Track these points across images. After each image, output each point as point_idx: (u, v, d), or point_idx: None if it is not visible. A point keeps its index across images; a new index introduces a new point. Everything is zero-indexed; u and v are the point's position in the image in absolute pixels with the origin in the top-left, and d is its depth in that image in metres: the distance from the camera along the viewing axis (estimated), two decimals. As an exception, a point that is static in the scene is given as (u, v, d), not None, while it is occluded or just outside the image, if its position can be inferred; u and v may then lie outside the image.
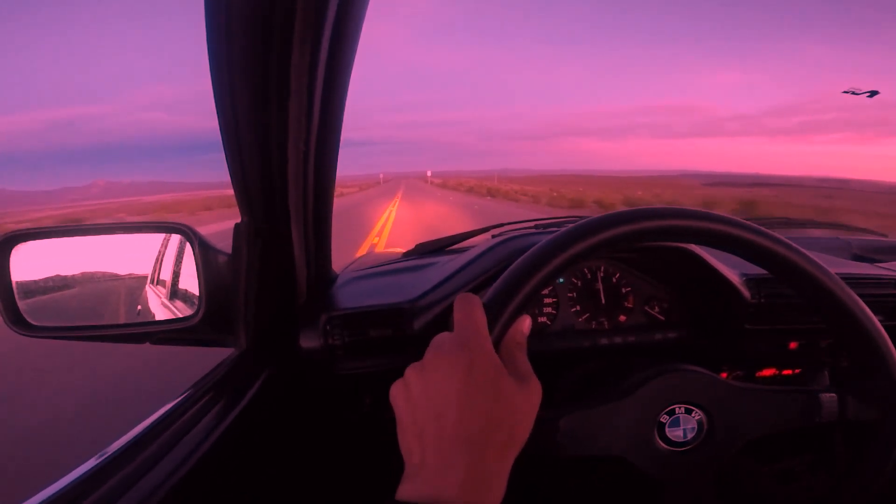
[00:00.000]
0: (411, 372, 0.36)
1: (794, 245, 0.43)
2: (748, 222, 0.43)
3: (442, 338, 0.38)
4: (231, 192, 0.59)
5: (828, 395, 0.46)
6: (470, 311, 0.38)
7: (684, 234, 0.44)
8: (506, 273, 0.41)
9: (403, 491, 0.32)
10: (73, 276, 0.61)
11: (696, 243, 0.62)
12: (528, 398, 0.36)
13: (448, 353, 0.35)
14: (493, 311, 0.39)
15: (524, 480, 0.37)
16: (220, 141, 0.53)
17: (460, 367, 0.34)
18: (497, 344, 0.38)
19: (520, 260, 0.41)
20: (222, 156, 0.56)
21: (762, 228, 0.43)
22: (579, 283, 0.76)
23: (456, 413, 0.33)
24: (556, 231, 0.43)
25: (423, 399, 0.34)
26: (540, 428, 0.38)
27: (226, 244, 0.62)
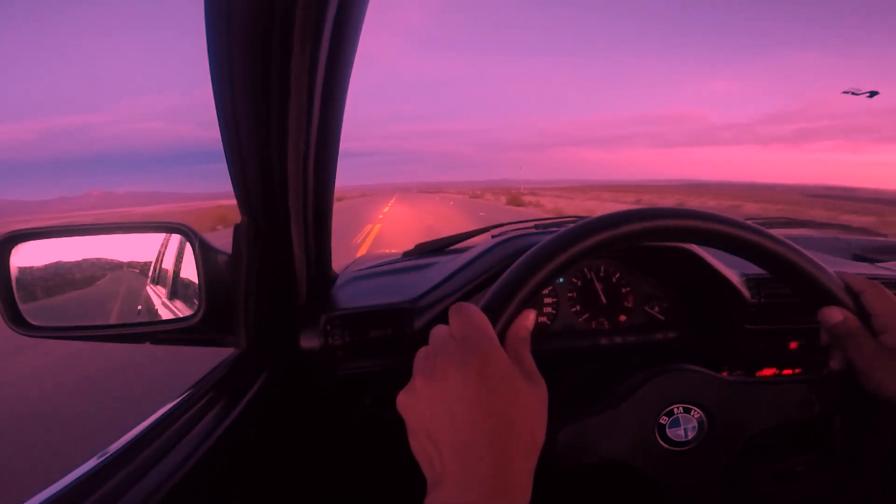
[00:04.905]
0: (419, 380, 0.35)
1: (793, 245, 0.43)
2: (748, 222, 0.43)
3: (443, 339, 0.36)
4: (231, 202, 0.59)
5: (826, 384, 0.46)
6: (468, 316, 0.36)
7: (684, 234, 0.44)
8: (506, 273, 0.41)
9: (430, 502, 0.31)
10: (73, 276, 0.61)
11: (695, 243, 0.62)
12: (538, 397, 0.35)
13: (456, 358, 0.34)
14: (494, 310, 0.38)
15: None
16: (217, 151, 0.53)
17: (472, 372, 0.33)
18: (501, 341, 0.37)
19: (522, 258, 0.41)
20: (220, 166, 0.56)
21: (762, 229, 0.43)
22: (579, 283, 0.76)
23: (474, 420, 0.32)
24: (556, 231, 0.43)
25: (435, 408, 0.33)
26: None
27: (226, 244, 0.62)
